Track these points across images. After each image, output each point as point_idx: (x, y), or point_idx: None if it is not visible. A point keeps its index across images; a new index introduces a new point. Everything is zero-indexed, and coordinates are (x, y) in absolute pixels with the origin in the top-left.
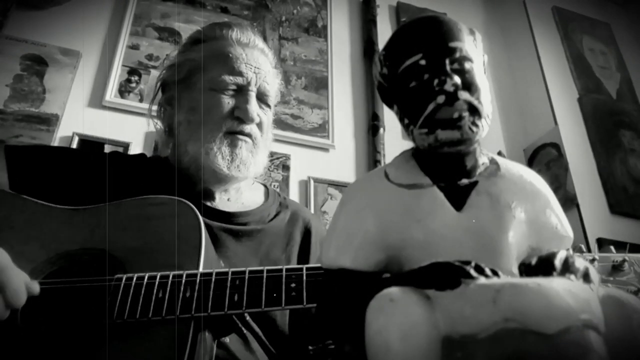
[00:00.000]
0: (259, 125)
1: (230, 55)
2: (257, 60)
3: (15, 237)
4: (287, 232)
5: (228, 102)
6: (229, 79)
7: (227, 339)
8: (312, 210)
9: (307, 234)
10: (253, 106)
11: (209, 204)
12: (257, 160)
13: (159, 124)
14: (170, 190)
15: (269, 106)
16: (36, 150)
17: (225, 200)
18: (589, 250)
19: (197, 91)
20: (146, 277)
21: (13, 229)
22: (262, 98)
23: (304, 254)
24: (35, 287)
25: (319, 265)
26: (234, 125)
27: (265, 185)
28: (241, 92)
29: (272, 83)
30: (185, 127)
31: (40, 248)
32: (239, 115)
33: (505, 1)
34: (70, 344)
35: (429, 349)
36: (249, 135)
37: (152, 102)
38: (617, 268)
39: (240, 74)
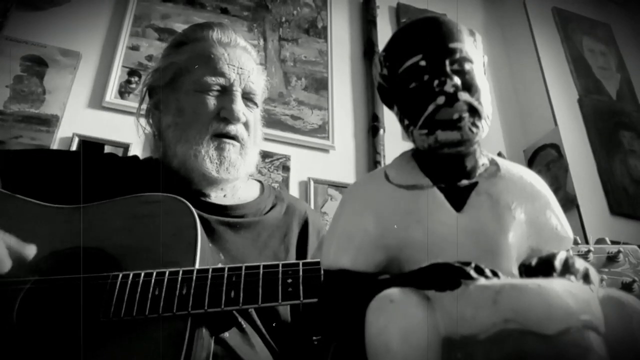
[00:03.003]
0: (246, 125)
1: (212, 56)
2: (240, 59)
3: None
4: (285, 224)
5: (213, 102)
6: (211, 79)
7: (225, 334)
8: None
9: (304, 225)
10: (238, 106)
11: (204, 199)
12: (246, 160)
13: (148, 129)
14: (164, 191)
15: (255, 104)
16: (28, 155)
17: (221, 197)
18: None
19: (182, 93)
20: (142, 275)
21: (6, 227)
22: (247, 97)
23: (301, 245)
24: (29, 250)
25: (315, 260)
26: (221, 126)
27: (260, 181)
28: (226, 92)
29: (257, 81)
30: (174, 130)
31: (34, 246)
32: (225, 116)
33: (505, 2)
34: (65, 342)
35: (429, 349)
36: (235, 137)
37: (140, 107)
38: (612, 259)
39: (222, 74)
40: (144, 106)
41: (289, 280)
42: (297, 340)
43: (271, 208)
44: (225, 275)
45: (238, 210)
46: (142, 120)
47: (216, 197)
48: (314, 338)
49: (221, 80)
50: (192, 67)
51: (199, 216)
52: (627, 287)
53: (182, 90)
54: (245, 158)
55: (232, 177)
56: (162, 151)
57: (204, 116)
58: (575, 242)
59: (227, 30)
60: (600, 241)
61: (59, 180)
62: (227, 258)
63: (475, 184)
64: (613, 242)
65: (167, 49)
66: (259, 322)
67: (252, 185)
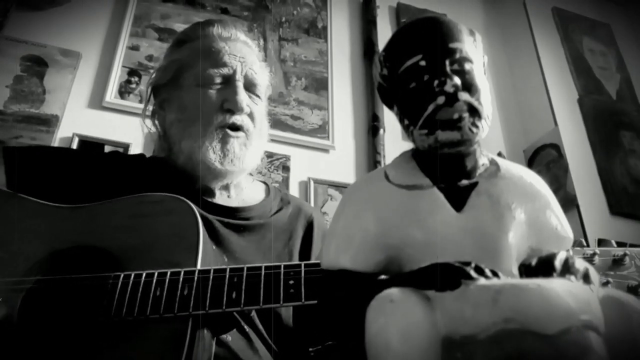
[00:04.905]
0: (251, 116)
1: (213, 49)
2: (241, 51)
3: (11, 236)
4: (290, 227)
5: (216, 95)
6: (213, 72)
7: (228, 337)
8: None
9: (309, 227)
10: (241, 96)
11: (209, 200)
12: (252, 152)
13: (153, 129)
14: (169, 189)
15: (259, 97)
16: (34, 151)
17: (225, 197)
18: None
19: (185, 90)
20: (144, 275)
21: (9, 227)
22: (250, 88)
23: (306, 248)
24: None
25: (317, 262)
26: (225, 118)
27: (265, 183)
28: (228, 83)
29: (260, 73)
30: (177, 126)
31: (36, 246)
32: (229, 107)
33: (505, 2)
34: (67, 342)
35: (429, 349)
36: (240, 128)
37: (146, 107)
38: (618, 262)
39: (224, 64)
40: (150, 107)
41: (291, 282)
42: (299, 345)
43: (277, 211)
44: (227, 276)
45: (244, 213)
46: (148, 121)
47: (220, 197)
48: (310, 350)
49: (223, 71)
50: (194, 63)
51: (203, 217)
52: (632, 290)
53: (185, 86)
54: (250, 149)
55: (237, 169)
56: (167, 149)
57: (207, 110)
58: (581, 245)
59: (228, 25)
60: (605, 243)
61: (63, 178)
62: (230, 260)
63: (476, 184)
64: (619, 244)
65: (169, 48)
66: (260, 327)
67: (257, 187)
